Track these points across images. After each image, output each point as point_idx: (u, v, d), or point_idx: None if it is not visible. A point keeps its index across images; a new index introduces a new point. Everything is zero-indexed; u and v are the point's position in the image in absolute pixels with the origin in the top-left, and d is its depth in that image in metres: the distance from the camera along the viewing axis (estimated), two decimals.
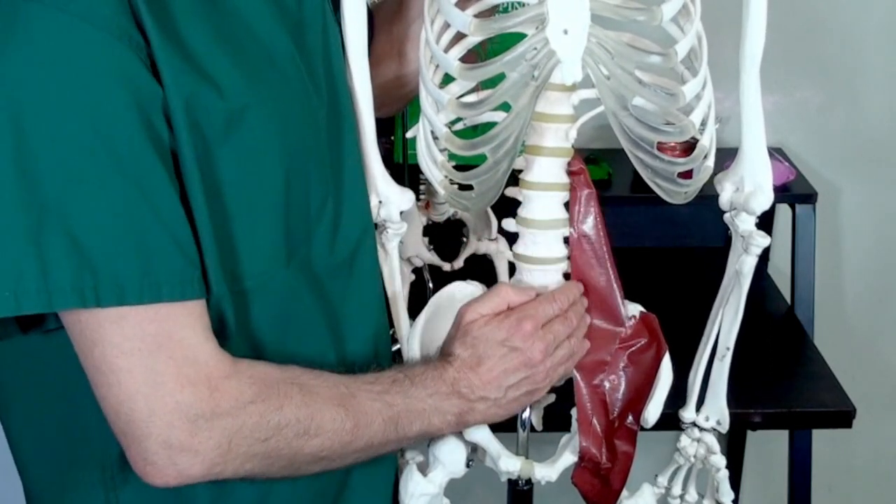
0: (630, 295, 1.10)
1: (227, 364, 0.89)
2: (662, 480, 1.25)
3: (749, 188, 1.08)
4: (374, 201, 1.09)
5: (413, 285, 1.36)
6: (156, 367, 0.86)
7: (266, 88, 0.93)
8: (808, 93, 2.08)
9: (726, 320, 1.17)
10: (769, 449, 2.25)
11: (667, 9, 0.97)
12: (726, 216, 1.10)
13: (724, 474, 1.21)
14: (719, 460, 1.20)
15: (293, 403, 0.91)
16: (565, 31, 0.95)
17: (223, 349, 0.90)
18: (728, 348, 1.18)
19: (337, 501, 1.08)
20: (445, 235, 1.70)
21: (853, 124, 2.09)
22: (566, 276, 1.08)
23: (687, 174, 1.03)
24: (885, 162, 2.13)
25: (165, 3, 0.87)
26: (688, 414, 1.20)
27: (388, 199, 1.09)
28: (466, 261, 1.76)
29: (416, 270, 1.57)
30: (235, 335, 0.94)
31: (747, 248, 1.10)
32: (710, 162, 1.04)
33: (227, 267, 0.92)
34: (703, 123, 1.02)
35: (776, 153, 2.01)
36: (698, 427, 1.21)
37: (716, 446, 1.20)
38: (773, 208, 2.08)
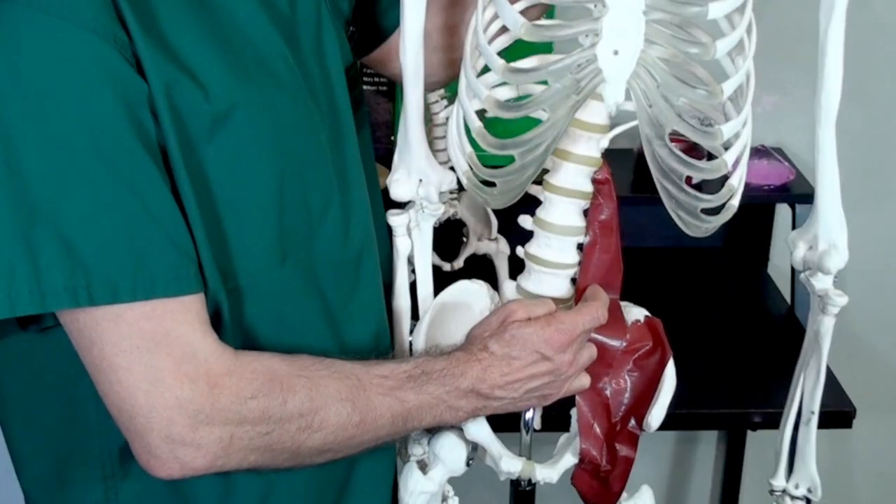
0: (630, 295, 1.10)
1: (228, 359, 0.89)
2: None
3: (823, 247, 1.07)
4: (413, 179, 1.08)
5: (413, 285, 1.36)
6: (154, 363, 0.86)
7: (256, 89, 0.93)
8: (808, 93, 2.06)
9: (808, 383, 1.16)
10: (769, 449, 2.24)
11: (721, 45, 0.94)
12: (801, 276, 1.09)
13: None
14: None
15: (297, 398, 0.91)
16: (615, 52, 0.94)
17: (223, 343, 0.90)
18: (813, 412, 1.16)
19: (340, 498, 1.08)
20: (445, 235, 1.70)
21: (853, 124, 2.09)
22: (572, 282, 1.08)
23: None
24: (886, 162, 2.12)
25: (149, 1, 0.87)
26: (777, 482, 1.20)
27: (429, 177, 1.08)
28: (466, 261, 1.77)
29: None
30: (230, 331, 0.94)
31: (824, 309, 1.09)
32: (736, 202, 1.02)
33: (220, 263, 0.92)
34: (737, 162, 1.00)
35: (776, 153, 2.01)
36: (790, 496, 1.20)
37: None
38: (772, 208, 2.09)
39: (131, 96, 0.85)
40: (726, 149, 0.99)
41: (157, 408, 0.86)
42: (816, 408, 1.15)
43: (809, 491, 1.19)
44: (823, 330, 1.10)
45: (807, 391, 1.15)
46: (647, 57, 0.95)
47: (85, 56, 0.83)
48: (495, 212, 1.73)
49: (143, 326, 0.85)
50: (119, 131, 0.84)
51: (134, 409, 0.86)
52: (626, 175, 1.91)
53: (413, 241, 1.12)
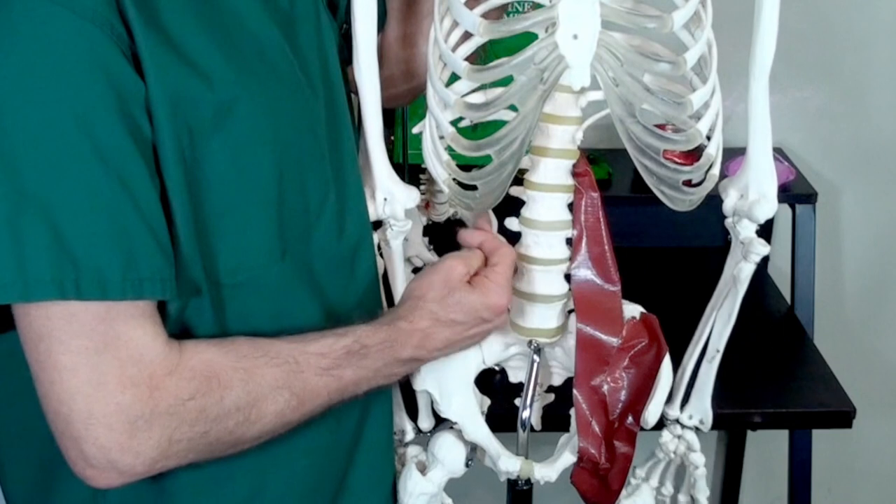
0: (630, 295, 1.10)
1: (173, 359, 0.88)
2: (641, 473, 1.26)
3: (753, 196, 1.07)
4: (378, 198, 1.09)
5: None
6: (100, 366, 0.84)
7: (256, 81, 0.93)
8: (808, 93, 2.08)
9: (719, 323, 1.17)
10: (769, 449, 2.25)
11: (678, 16, 0.96)
12: (727, 221, 1.10)
13: (701, 472, 1.23)
14: (698, 458, 1.22)
15: (234, 393, 0.90)
16: (575, 37, 0.95)
17: (170, 340, 0.89)
18: (718, 350, 1.18)
19: (336, 499, 1.08)
20: (445, 235, 1.70)
21: (853, 124, 2.09)
22: (567, 278, 1.08)
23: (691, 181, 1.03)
24: (886, 162, 2.12)
25: None
26: (672, 411, 1.21)
27: (394, 196, 1.09)
28: None
29: (416, 270, 1.57)
30: (228, 327, 0.93)
31: (746, 256, 1.10)
32: (716, 170, 1.03)
33: (215, 262, 0.91)
34: (711, 132, 1.02)
35: (776, 153, 2.01)
36: (681, 424, 1.22)
37: (696, 444, 1.22)
38: None
39: (124, 90, 0.84)
40: (699, 120, 1.00)
41: (96, 414, 0.84)
42: (722, 347, 1.18)
43: (701, 422, 1.22)
44: (743, 276, 1.11)
45: (716, 330, 1.18)
46: (608, 38, 0.96)
47: (79, 44, 0.82)
48: (494, 211, 1.73)
49: (96, 327, 0.83)
50: (110, 122, 0.83)
51: (72, 413, 0.84)
52: (627, 175, 1.91)
53: (385, 260, 1.12)
